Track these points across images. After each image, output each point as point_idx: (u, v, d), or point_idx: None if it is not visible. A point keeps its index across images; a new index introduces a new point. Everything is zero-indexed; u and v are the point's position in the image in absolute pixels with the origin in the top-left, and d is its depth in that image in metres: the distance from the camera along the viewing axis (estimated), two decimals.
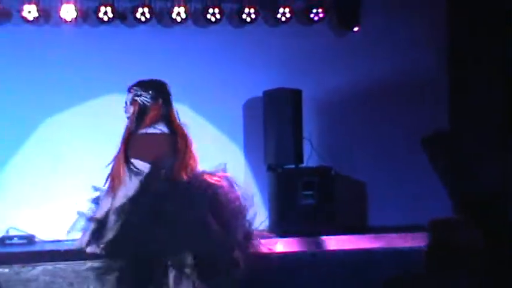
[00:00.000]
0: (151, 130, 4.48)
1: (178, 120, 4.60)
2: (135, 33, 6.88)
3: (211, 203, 4.36)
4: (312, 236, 6.06)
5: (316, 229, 6.24)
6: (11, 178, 6.57)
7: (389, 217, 6.78)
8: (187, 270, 4.19)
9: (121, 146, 4.49)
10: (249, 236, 4.44)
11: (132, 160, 4.39)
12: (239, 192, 4.51)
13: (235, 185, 4.54)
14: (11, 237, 6.26)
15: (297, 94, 6.76)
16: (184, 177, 4.41)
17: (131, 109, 4.59)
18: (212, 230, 4.25)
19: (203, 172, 4.52)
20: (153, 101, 4.57)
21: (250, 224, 4.48)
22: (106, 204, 4.42)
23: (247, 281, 4.27)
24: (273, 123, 6.79)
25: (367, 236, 6.07)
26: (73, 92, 6.70)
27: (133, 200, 4.29)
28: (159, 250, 4.19)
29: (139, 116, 4.54)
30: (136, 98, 4.58)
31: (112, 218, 4.31)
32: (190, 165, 4.47)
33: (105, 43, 6.80)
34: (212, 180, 4.45)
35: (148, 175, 4.36)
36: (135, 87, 4.62)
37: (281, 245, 4.90)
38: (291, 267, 4.86)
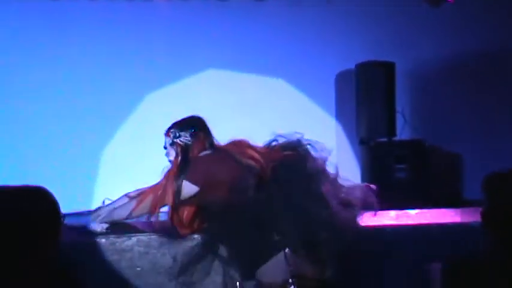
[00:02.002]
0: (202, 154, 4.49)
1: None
2: (228, 7, 6.90)
3: (302, 182, 4.34)
4: (406, 209, 5.98)
5: (410, 203, 6.16)
6: (109, 152, 6.72)
7: None
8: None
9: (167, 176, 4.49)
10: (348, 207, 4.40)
11: (186, 182, 4.39)
12: (318, 155, 4.48)
13: (310, 148, 4.51)
14: None
15: (389, 67, 6.67)
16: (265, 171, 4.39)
17: (173, 152, 4.57)
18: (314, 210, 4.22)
19: (277, 152, 4.50)
20: (194, 139, 4.54)
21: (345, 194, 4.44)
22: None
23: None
24: (365, 96, 6.72)
25: (462, 209, 5.95)
26: (171, 68, 6.77)
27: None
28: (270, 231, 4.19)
29: (184, 156, 4.51)
30: (176, 139, 4.55)
31: None
32: (261, 160, 4.44)
33: (195, 17, 6.85)
34: (291, 156, 4.43)
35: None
36: (172, 130, 4.59)
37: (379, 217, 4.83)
38: (387, 240, 4.81)
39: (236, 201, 4.27)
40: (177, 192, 4.38)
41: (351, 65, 6.80)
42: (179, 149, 4.52)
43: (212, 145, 4.57)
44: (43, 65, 6.62)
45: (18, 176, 6.42)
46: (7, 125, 6.56)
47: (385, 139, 6.63)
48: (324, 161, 4.52)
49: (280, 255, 4.18)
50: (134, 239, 4.56)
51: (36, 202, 2.55)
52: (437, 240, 4.87)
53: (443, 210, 5.89)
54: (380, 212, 4.70)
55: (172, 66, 6.75)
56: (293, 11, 6.94)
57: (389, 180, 6.43)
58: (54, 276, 2.59)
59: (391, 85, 6.66)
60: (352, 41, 6.93)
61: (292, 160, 4.45)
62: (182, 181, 4.39)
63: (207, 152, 4.53)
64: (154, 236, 4.57)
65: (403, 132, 6.77)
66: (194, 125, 4.59)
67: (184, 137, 4.53)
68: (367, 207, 4.51)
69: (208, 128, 4.63)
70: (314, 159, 4.49)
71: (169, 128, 4.62)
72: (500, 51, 7.09)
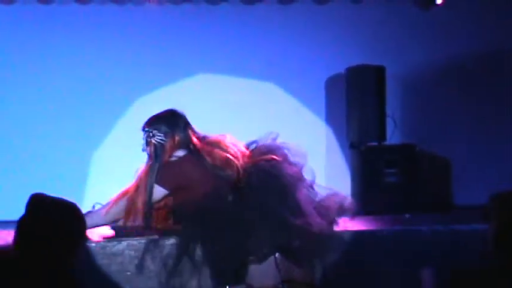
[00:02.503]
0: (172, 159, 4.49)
1: (198, 137, 4.57)
2: (219, 11, 6.91)
3: (279, 188, 4.33)
4: (395, 214, 6.00)
5: (399, 207, 6.18)
6: (100, 155, 6.72)
7: (475, 196, 6.64)
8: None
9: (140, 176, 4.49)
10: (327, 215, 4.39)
11: (156, 186, 4.40)
12: (295, 160, 4.48)
13: (288, 153, 4.50)
14: None
15: (380, 71, 6.68)
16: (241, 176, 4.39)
17: (148, 149, 4.56)
18: (290, 221, 4.20)
19: (255, 156, 4.49)
20: (167, 138, 4.52)
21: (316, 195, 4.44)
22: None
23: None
24: (356, 100, 6.72)
25: (450, 215, 5.98)
26: (162, 72, 6.78)
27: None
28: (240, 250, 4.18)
29: (156, 155, 4.50)
30: (149, 139, 4.54)
31: None
32: (238, 163, 4.43)
33: (186, 21, 6.86)
34: (268, 161, 4.43)
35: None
36: (146, 128, 4.58)
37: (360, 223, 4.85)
38: (372, 245, 4.81)
39: (210, 206, 4.27)
40: (149, 194, 4.39)
41: (341, 69, 6.81)
42: (152, 149, 4.51)
43: (188, 145, 4.54)
44: (35, 67, 6.64)
45: (10, 176, 6.44)
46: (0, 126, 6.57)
47: (375, 143, 6.64)
48: (301, 167, 4.51)
49: (271, 260, 4.19)
50: (125, 243, 4.56)
51: (69, 216, 2.75)
52: (428, 245, 4.88)
53: (431, 215, 5.93)
54: (357, 217, 4.70)
55: (163, 70, 6.75)
56: (283, 15, 6.95)
57: (379, 185, 6.44)
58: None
59: (381, 89, 6.68)
60: (343, 44, 6.94)
61: (268, 165, 4.43)
62: (153, 184, 4.40)
63: (181, 153, 4.50)
64: (144, 240, 4.57)
65: (393, 136, 6.79)
66: (168, 122, 4.56)
67: (158, 137, 4.52)
68: (344, 213, 4.50)
69: (186, 124, 4.58)
70: (291, 164, 4.48)
71: (146, 124, 4.60)
72: (491, 55, 7.11)
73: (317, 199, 4.47)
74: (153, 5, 6.75)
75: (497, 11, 7.12)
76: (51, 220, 2.68)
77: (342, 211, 4.45)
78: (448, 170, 7.02)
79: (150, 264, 4.49)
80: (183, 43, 6.77)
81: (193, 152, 4.49)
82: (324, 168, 6.68)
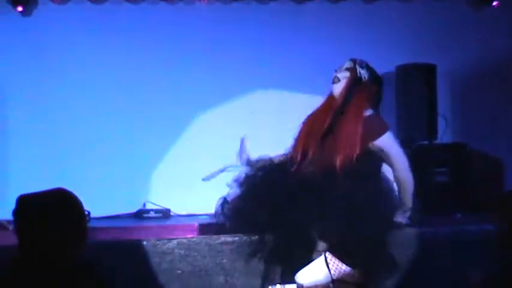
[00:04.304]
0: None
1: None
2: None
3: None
4: (445, 214, 5.95)
5: (450, 207, 6.12)
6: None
7: None
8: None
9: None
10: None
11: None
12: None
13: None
14: (147, 211, 6.44)
15: (431, 69, 6.64)
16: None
17: (346, 73, 4.51)
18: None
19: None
20: (368, 80, 4.50)
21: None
22: None
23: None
24: (406, 99, 6.68)
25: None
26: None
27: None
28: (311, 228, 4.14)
29: (352, 85, 4.46)
30: (357, 66, 4.51)
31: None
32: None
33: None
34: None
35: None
36: (359, 60, 4.55)
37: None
38: (426, 245, 4.78)
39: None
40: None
41: (392, 68, 6.77)
42: (351, 77, 4.49)
43: (377, 106, 4.55)
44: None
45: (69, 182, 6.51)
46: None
47: (426, 142, 6.60)
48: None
49: (321, 259, 4.17)
50: (175, 241, 4.59)
51: (60, 203, 2.70)
52: (478, 245, 4.83)
53: (483, 215, 5.86)
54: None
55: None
56: (333, 14, 6.94)
57: (429, 184, 6.39)
58: (80, 273, 2.69)
59: (432, 87, 6.63)
60: (394, 43, 6.90)
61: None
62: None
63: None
64: (194, 239, 4.60)
65: (444, 135, 6.73)
66: (376, 75, 4.60)
67: (364, 72, 4.53)
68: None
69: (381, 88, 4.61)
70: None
71: (359, 59, 4.59)
72: None
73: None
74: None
75: None
76: (39, 214, 2.66)
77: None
78: (499, 169, 6.94)
79: (201, 262, 4.52)
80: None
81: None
82: None
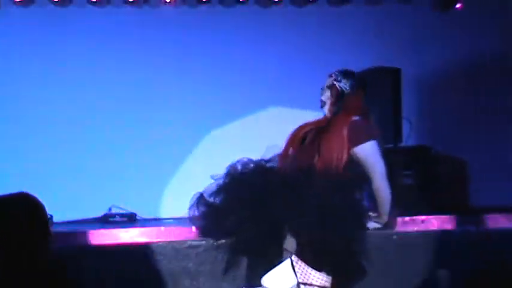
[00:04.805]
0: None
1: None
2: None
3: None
4: (411, 216, 5.97)
5: (415, 209, 6.15)
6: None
7: (491, 197, 6.63)
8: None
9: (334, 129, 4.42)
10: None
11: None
12: None
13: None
14: (113, 215, 6.41)
15: (395, 73, 6.67)
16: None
17: (327, 92, 4.59)
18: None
19: None
20: (351, 90, 4.54)
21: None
22: None
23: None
24: (371, 103, 6.68)
25: (468, 216, 5.94)
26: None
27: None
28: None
29: (336, 101, 4.52)
30: (335, 82, 4.57)
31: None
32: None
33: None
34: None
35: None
36: (336, 73, 4.62)
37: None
38: (394, 247, 4.80)
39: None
40: None
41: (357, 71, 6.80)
42: (334, 93, 4.58)
43: (365, 112, 4.57)
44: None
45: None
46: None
47: (391, 145, 6.63)
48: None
49: (287, 262, 4.17)
50: (141, 246, 4.57)
51: (21, 207, 2.69)
52: (444, 246, 4.86)
53: (448, 217, 5.89)
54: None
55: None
56: (299, 19, 6.96)
57: (395, 187, 6.41)
58: (44, 278, 2.67)
59: (397, 91, 6.66)
60: (358, 47, 6.93)
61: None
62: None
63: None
64: (161, 243, 4.58)
65: (409, 138, 6.77)
66: (356, 79, 4.64)
67: (344, 84, 4.59)
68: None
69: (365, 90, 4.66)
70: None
71: (335, 71, 4.66)
72: (508, 56, 7.09)
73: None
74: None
75: None
76: (0, 218, 2.66)
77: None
78: (464, 171, 6.99)
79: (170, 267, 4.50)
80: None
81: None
82: None
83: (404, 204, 6.27)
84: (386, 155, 6.45)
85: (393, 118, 6.63)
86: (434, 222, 5.69)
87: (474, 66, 7.06)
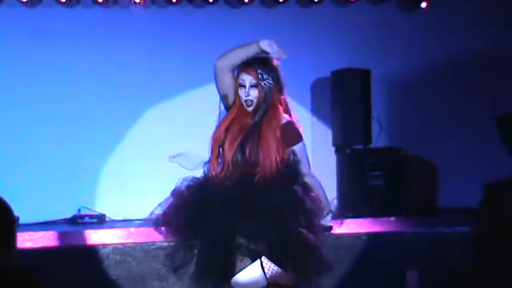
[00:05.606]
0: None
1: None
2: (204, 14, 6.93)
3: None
4: (380, 217, 6.01)
5: (385, 210, 6.19)
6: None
7: (460, 198, 6.67)
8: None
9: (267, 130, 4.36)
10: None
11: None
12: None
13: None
14: (82, 216, 6.37)
15: (365, 74, 6.71)
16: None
17: (254, 93, 4.26)
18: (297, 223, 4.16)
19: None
20: (274, 84, 4.42)
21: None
22: None
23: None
24: (341, 104, 6.74)
25: (436, 217, 6.00)
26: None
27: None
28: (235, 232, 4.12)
29: (264, 101, 4.27)
30: (260, 82, 4.26)
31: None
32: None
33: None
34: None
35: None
36: (259, 71, 4.27)
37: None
38: (362, 247, 4.83)
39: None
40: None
41: (327, 73, 6.82)
42: (262, 94, 4.22)
43: (287, 106, 4.38)
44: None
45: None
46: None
47: (360, 146, 6.66)
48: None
49: (257, 263, 4.17)
50: (110, 247, 4.56)
51: None
52: (413, 247, 4.90)
53: (417, 218, 5.95)
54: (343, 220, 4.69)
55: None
56: (269, 18, 6.96)
57: (365, 187, 6.46)
58: (9, 280, 2.63)
59: (366, 92, 6.70)
60: (328, 48, 6.95)
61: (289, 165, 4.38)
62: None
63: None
64: (130, 244, 4.57)
65: (378, 139, 6.81)
66: (275, 70, 4.33)
67: (267, 81, 4.24)
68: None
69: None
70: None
71: (257, 67, 4.29)
72: (476, 58, 7.13)
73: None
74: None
75: (482, 15, 7.15)
76: None
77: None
78: (433, 172, 7.04)
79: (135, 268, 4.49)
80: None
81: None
82: None
83: (373, 205, 6.33)
84: (356, 155, 6.54)
85: (363, 119, 6.67)
86: (402, 223, 5.73)
87: (443, 66, 7.10)
